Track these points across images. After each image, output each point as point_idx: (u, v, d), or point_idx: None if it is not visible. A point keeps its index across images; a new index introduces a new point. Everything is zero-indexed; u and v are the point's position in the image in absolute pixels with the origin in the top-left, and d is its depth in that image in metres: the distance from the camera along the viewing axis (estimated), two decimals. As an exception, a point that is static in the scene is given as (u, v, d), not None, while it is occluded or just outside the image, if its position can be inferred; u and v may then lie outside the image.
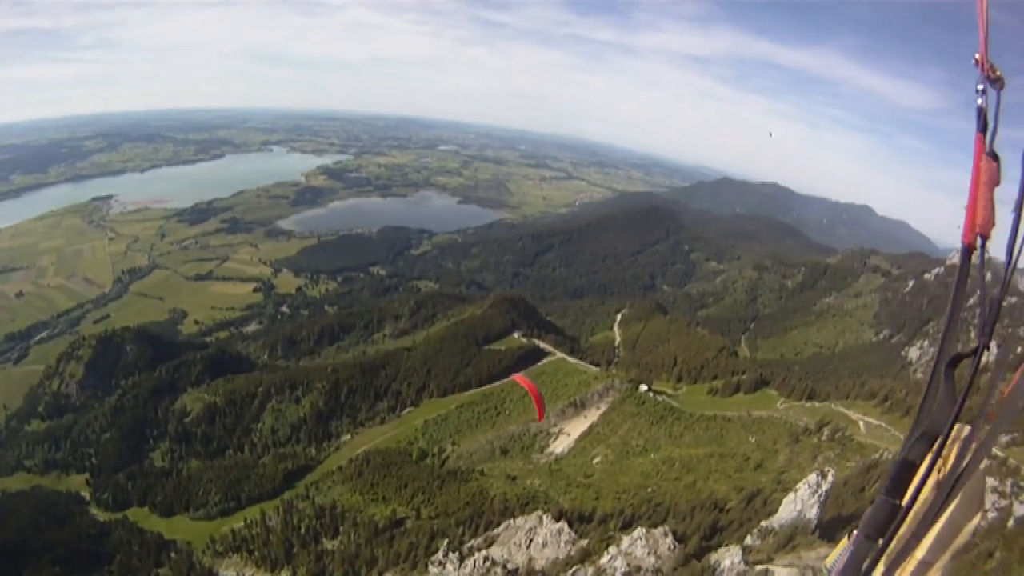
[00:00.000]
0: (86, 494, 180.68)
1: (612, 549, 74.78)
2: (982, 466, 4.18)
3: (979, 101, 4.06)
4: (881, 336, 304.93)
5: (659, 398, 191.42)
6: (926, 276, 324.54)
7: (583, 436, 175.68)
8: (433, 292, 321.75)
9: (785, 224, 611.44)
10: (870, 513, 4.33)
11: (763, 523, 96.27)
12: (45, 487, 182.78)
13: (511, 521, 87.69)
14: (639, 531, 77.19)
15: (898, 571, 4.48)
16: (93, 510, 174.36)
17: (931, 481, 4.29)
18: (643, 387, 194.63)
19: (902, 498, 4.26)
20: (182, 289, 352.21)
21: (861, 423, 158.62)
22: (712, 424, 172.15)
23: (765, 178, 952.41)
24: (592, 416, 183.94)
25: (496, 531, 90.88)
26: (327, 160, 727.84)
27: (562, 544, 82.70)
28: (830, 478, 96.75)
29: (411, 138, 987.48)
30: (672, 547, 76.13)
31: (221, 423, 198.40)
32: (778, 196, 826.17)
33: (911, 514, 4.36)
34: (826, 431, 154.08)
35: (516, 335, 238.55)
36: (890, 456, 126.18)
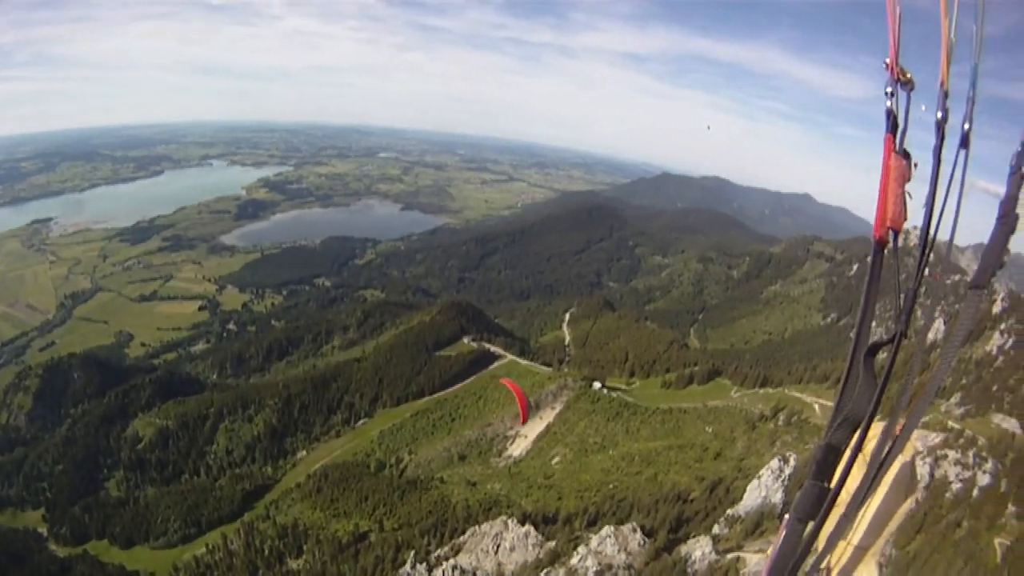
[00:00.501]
0: (43, 530, 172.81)
1: (581, 549, 73.34)
2: (908, 451, 4.49)
3: (888, 103, 4.34)
4: (829, 320, 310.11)
5: (613, 394, 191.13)
6: (869, 259, 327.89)
7: (540, 437, 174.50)
8: (380, 301, 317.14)
9: (727, 216, 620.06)
10: (800, 497, 4.45)
11: (729, 511, 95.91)
12: (1, 525, 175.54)
13: (476, 528, 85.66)
14: (607, 529, 75.83)
15: (833, 555, 4.76)
16: (52, 546, 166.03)
17: (856, 465, 4.38)
18: (597, 384, 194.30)
19: (830, 481, 4.37)
20: (127, 311, 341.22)
21: (816, 406, 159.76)
22: (668, 417, 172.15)
23: (705, 172, 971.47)
24: (548, 416, 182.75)
25: (462, 539, 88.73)
26: (267, 172, 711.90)
27: (530, 547, 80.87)
28: (792, 462, 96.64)
29: (351, 147, 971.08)
30: (642, 542, 74.94)
31: (175, 447, 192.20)
32: (719, 188, 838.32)
33: (840, 497, 4.48)
34: (782, 416, 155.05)
35: (466, 340, 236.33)
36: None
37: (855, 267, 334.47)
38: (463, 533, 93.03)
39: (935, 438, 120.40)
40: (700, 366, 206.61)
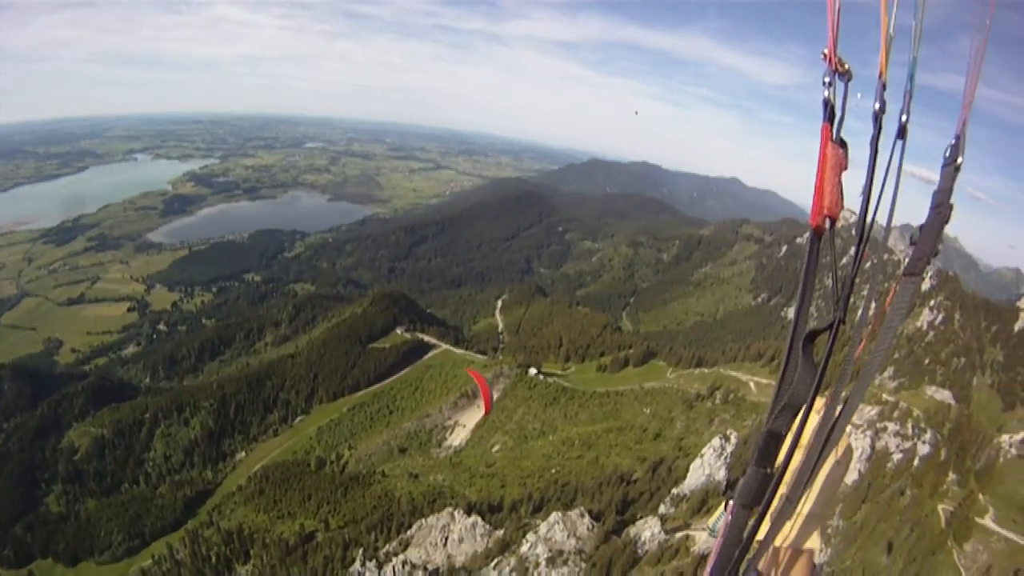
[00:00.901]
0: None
1: (531, 536, 72.60)
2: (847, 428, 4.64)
3: (825, 93, 4.46)
4: (760, 300, 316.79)
5: (550, 380, 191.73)
6: (798, 240, 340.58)
7: (479, 426, 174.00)
8: (311, 294, 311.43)
9: (656, 200, 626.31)
10: (743, 483, 4.42)
11: (673, 490, 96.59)
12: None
13: (423, 521, 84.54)
14: (555, 515, 75.24)
15: (780, 533, 4.69)
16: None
17: (799, 449, 4.41)
18: (532, 371, 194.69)
19: (772, 466, 4.34)
20: (55, 316, 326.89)
21: (751, 383, 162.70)
22: (606, 400, 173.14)
23: (634, 158, 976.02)
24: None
25: (409, 532, 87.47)
26: (193, 165, 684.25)
27: (478, 537, 79.84)
28: (733, 439, 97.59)
29: (278, 137, 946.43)
30: (590, 526, 74.49)
31: (112, 456, 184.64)
32: (648, 174, 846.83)
33: (783, 481, 4.43)
34: (718, 395, 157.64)
35: (399, 331, 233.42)
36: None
37: (784, 248, 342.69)
38: (410, 527, 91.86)
39: (871, 411, 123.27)
40: (635, 349, 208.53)
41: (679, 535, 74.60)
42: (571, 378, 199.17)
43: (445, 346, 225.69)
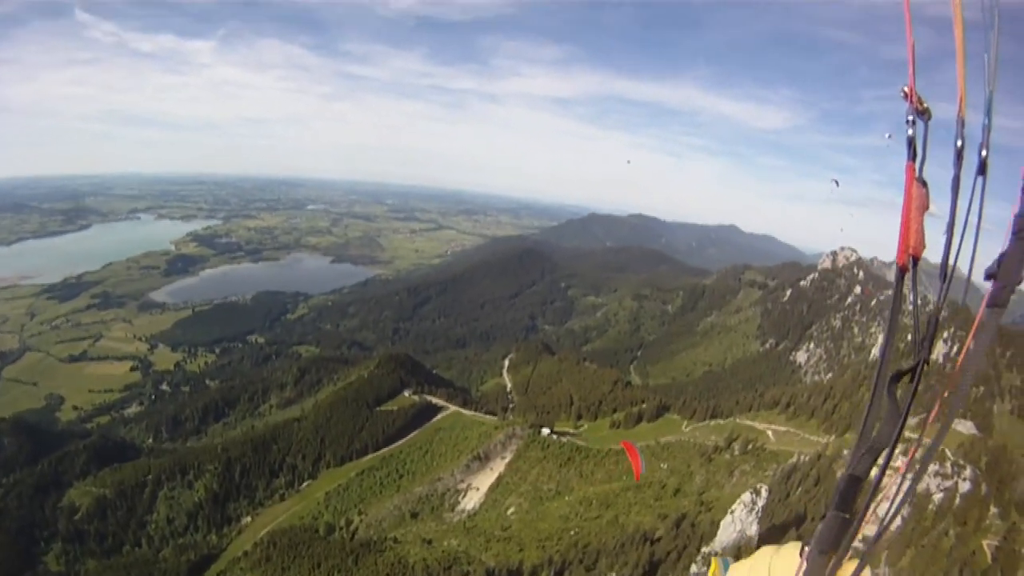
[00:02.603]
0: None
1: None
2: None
3: (909, 131, 4.60)
4: (768, 345, 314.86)
5: (563, 439, 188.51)
6: (802, 284, 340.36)
7: (492, 488, 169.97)
8: (315, 357, 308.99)
9: (656, 251, 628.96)
10: (822, 529, 4.62)
11: (704, 549, 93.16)
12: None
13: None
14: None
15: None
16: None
17: (881, 492, 4.57)
18: (545, 430, 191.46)
19: (851, 511, 4.49)
20: (57, 372, 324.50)
21: (769, 432, 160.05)
22: (621, 457, 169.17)
23: (631, 210, 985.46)
24: (498, 467, 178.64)
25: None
26: (196, 226, 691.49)
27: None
28: (764, 494, 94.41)
29: (279, 199, 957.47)
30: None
31: (113, 517, 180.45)
32: (645, 225, 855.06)
33: (862, 525, 4.58)
34: (736, 446, 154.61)
35: (407, 393, 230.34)
36: (805, 459, 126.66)
37: (788, 292, 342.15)
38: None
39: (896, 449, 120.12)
40: (648, 403, 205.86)
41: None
42: (584, 436, 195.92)
43: (454, 408, 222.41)
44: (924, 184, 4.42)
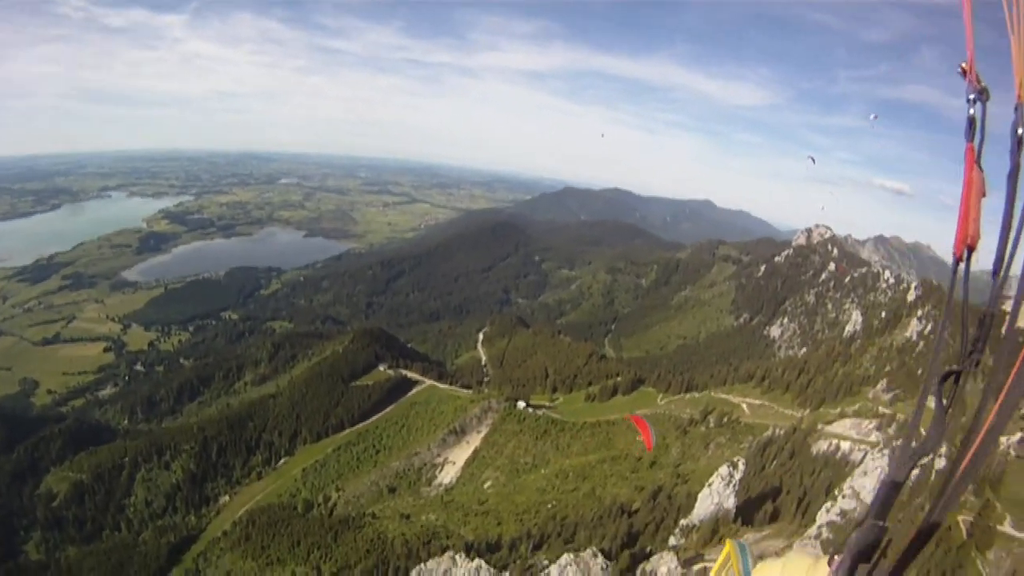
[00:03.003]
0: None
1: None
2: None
3: (971, 111, 4.34)
4: (742, 320, 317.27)
5: (539, 412, 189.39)
6: (776, 259, 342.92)
7: (469, 462, 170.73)
8: (289, 332, 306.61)
9: (631, 225, 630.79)
10: (860, 537, 4.33)
11: (682, 521, 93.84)
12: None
13: (421, 566, 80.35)
14: (567, 557, 71.82)
15: None
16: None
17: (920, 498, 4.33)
18: (521, 404, 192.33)
19: (887, 518, 4.25)
20: (30, 356, 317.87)
21: (744, 405, 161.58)
22: (597, 429, 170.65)
23: (606, 184, 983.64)
24: (474, 441, 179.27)
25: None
26: (168, 203, 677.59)
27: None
28: (741, 467, 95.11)
29: (252, 174, 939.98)
30: (605, 566, 71.29)
31: (92, 502, 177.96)
32: (620, 199, 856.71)
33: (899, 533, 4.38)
34: (712, 419, 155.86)
35: (382, 367, 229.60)
36: (780, 432, 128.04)
37: (763, 267, 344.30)
38: (407, 573, 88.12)
39: (868, 424, 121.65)
40: (623, 376, 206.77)
41: (696, 568, 72.03)
42: (560, 409, 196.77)
43: (429, 382, 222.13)
44: (980, 169, 4.10)
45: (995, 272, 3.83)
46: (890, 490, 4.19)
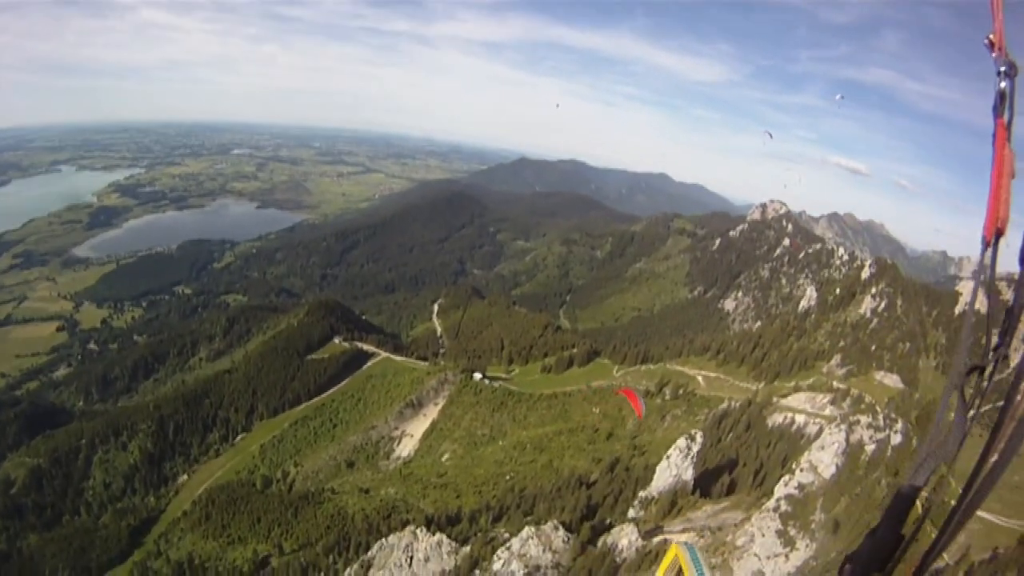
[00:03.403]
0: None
1: (503, 552, 69.72)
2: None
3: (1000, 84, 4.12)
4: (696, 293, 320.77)
5: (495, 384, 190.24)
6: (731, 233, 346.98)
7: (426, 435, 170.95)
8: (243, 306, 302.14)
9: (586, 197, 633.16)
10: (873, 546, 4.17)
11: (641, 493, 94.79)
12: None
13: (383, 540, 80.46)
14: (528, 530, 72.32)
15: None
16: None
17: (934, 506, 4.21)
18: (477, 375, 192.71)
19: (904, 526, 4.12)
20: None
21: (699, 377, 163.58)
22: (554, 401, 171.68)
23: (563, 156, 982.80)
24: (432, 413, 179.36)
25: (369, 554, 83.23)
26: (119, 176, 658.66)
27: (444, 555, 76.47)
28: (699, 439, 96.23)
29: (204, 144, 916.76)
30: (565, 539, 71.90)
31: (50, 487, 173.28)
32: (576, 171, 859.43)
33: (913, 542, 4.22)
34: (668, 390, 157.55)
35: (337, 340, 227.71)
36: (736, 405, 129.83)
37: (717, 241, 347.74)
38: (368, 548, 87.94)
39: (823, 398, 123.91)
40: (579, 348, 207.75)
41: (656, 539, 72.86)
42: (516, 381, 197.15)
43: (385, 354, 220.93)
44: (1012, 149, 3.95)
45: (1023, 261, 3.50)
46: (908, 496, 4.13)
